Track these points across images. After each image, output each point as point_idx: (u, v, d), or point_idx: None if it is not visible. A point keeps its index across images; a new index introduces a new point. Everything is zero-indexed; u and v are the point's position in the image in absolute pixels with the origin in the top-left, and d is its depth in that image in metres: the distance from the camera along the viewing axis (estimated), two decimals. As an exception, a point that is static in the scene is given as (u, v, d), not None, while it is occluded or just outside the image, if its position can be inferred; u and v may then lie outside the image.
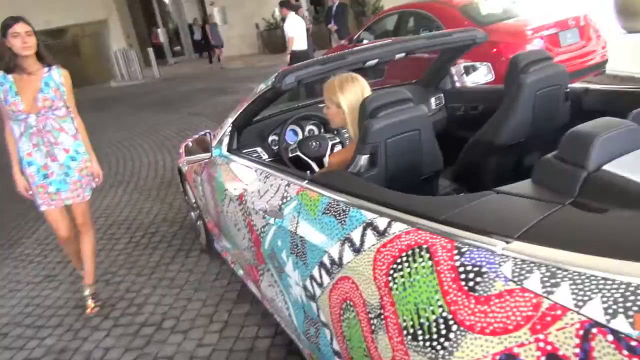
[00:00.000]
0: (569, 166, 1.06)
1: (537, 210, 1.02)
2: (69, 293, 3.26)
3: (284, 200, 1.68)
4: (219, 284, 3.04)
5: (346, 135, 2.61)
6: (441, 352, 0.97)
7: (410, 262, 1.09)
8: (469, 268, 0.97)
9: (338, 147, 2.58)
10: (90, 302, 2.93)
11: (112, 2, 17.61)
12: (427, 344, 1.00)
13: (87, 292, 2.97)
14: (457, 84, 2.89)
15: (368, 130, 1.60)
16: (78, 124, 2.70)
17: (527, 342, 0.83)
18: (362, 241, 1.25)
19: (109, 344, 2.64)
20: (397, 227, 1.17)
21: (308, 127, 2.69)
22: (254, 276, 2.20)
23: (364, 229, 1.26)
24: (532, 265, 0.88)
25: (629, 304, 0.73)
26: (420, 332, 1.03)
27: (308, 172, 2.32)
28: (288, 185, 1.70)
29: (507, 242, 0.94)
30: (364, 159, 1.64)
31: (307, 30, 7.75)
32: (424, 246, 1.07)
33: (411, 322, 1.06)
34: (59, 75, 2.59)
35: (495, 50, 4.65)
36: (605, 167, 1.03)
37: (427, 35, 2.40)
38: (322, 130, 2.69)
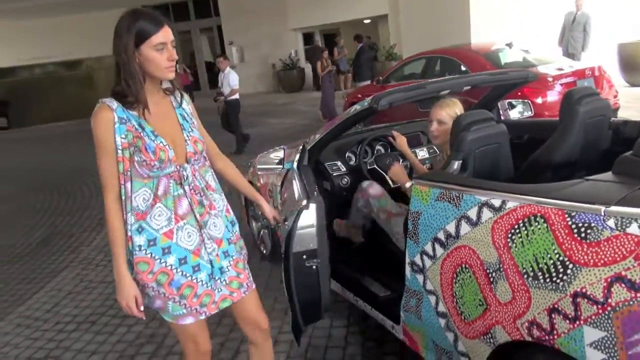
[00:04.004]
0: (644, 160, 1.48)
1: (623, 189, 1.42)
2: (144, 290, 3.58)
3: (392, 195, 2.08)
4: (285, 286, 3.38)
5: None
6: (560, 283, 1.35)
7: (527, 226, 1.48)
8: (580, 225, 1.36)
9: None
10: None
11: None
12: (548, 280, 1.38)
13: None
14: (502, 117, 3.34)
15: (463, 141, 2.02)
16: (226, 166, 1.89)
17: (632, 266, 1.22)
18: (479, 217, 1.65)
19: (195, 331, 2.95)
20: (512, 204, 1.56)
21: (377, 147, 3.12)
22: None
23: (480, 208, 1.66)
24: (630, 219, 1.28)
25: None
26: (540, 274, 1.41)
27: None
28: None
29: (607, 207, 1.34)
30: (457, 164, 2.05)
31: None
32: (538, 214, 1.47)
33: (531, 268, 1.44)
34: (186, 104, 1.73)
35: (520, 93, 5.17)
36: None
37: (488, 73, 2.87)
38: (389, 150, 3.11)
